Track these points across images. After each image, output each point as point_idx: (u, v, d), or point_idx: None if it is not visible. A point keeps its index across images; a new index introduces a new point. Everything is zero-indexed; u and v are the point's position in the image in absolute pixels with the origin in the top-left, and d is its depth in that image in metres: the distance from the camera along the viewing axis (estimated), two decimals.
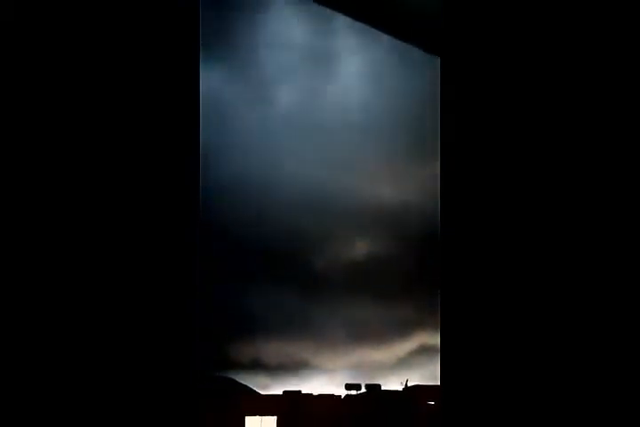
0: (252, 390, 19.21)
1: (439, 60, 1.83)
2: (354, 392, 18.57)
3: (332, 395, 18.75)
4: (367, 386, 18.50)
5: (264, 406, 17.75)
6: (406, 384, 18.14)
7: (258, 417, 17.89)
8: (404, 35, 2.70)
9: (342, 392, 18.91)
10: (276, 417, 17.74)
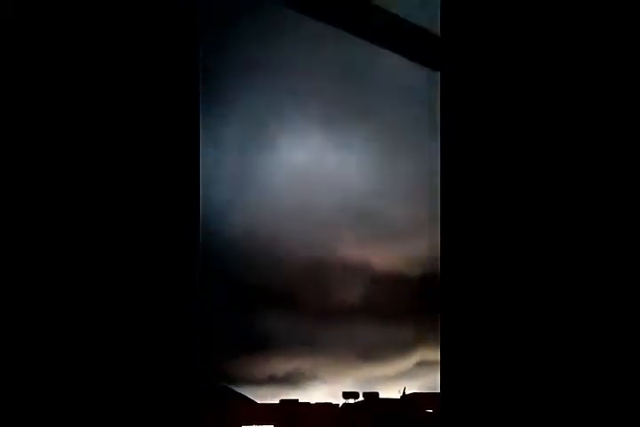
0: (248, 398, 19.08)
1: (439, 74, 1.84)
2: (351, 401, 18.45)
3: (330, 403, 18.61)
4: (365, 394, 18.39)
5: (260, 414, 17.63)
6: (404, 392, 18.03)
7: (254, 426, 17.75)
8: (402, 50, 2.72)
9: (340, 401, 18.82)
10: (272, 426, 17.62)
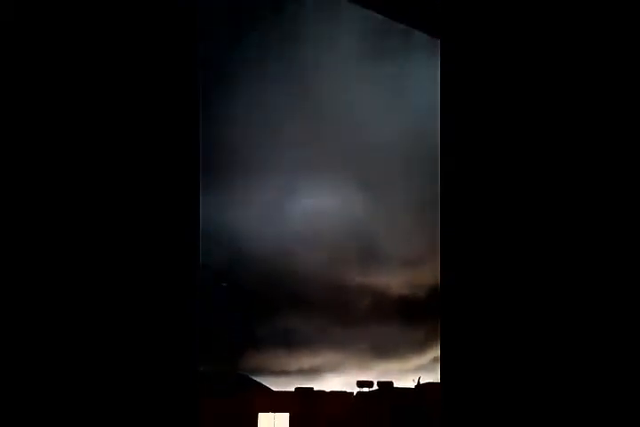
0: (264, 386, 19.29)
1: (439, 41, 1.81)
2: (366, 389, 18.57)
3: (345, 392, 18.78)
4: (379, 383, 18.49)
5: (277, 402, 17.81)
6: (419, 382, 18.13)
7: (271, 414, 17.95)
8: (403, 17, 2.68)
9: (355, 390, 18.97)
10: (288, 414, 17.79)
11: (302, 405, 17.44)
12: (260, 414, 17.87)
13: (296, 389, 18.22)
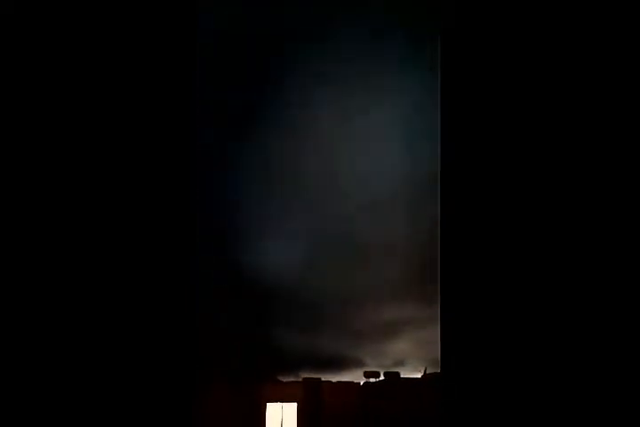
0: (272, 376, 19.41)
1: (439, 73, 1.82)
2: (373, 380, 18.67)
3: (352, 382, 18.90)
4: (386, 374, 18.59)
5: (285, 392, 17.93)
6: (425, 372, 18.18)
7: (279, 404, 18.06)
8: (403, 50, 2.68)
9: (361, 380, 19.10)
10: (296, 404, 17.91)
11: (310, 394, 17.56)
12: (268, 404, 17.99)
13: (303, 379, 18.33)
